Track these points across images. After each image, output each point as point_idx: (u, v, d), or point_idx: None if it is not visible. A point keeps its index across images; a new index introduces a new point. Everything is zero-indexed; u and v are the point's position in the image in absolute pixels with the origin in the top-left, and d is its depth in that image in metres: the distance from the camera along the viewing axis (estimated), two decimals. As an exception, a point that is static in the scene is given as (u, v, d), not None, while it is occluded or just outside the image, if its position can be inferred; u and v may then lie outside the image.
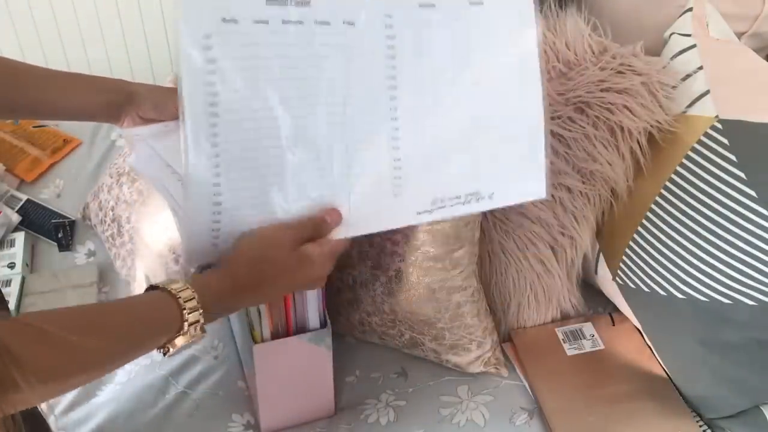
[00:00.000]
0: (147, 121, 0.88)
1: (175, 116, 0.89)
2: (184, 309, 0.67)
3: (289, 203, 0.77)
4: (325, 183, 0.77)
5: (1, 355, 0.52)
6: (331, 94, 0.76)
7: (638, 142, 1.02)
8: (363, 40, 0.75)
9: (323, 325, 0.94)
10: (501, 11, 0.79)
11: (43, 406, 1.03)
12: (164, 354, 0.69)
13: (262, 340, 0.91)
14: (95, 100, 0.86)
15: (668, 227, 0.99)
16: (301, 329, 0.93)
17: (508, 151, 0.80)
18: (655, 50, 1.08)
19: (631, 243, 1.04)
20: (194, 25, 0.71)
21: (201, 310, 0.68)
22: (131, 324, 0.66)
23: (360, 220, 0.79)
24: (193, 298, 0.68)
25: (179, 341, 0.68)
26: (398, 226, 0.80)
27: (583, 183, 1.05)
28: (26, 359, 0.54)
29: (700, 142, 0.96)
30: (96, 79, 0.89)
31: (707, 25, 1.08)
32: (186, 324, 0.67)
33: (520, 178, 0.80)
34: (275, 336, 0.92)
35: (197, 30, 0.70)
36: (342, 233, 0.79)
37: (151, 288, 0.70)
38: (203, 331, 0.69)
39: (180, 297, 0.67)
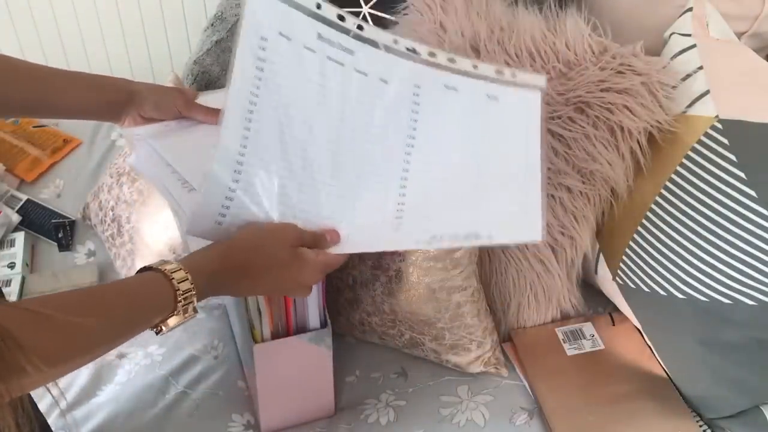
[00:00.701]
0: (148, 120, 0.88)
1: (175, 116, 0.89)
2: (177, 290, 0.68)
3: (296, 213, 0.80)
4: (330, 205, 0.82)
5: (5, 340, 0.53)
6: (355, 130, 0.83)
7: (638, 142, 1.02)
8: (392, 97, 0.85)
9: (323, 325, 0.94)
10: (512, 111, 0.89)
11: (41, 407, 1.03)
12: (157, 333, 0.70)
13: (263, 340, 0.91)
14: (96, 98, 0.86)
15: (668, 227, 0.99)
16: (302, 329, 0.93)
17: (508, 199, 0.86)
18: (655, 50, 1.08)
19: (631, 243, 1.04)
20: (256, 25, 0.78)
21: (193, 291, 0.69)
22: (127, 305, 0.67)
23: (359, 243, 0.83)
24: (186, 279, 0.69)
25: (172, 321, 0.69)
26: (393, 249, 0.87)
27: (583, 183, 1.05)
28: (30, 343, 0.55)
29: (700, 142, 0.96)
30: (97, 77, 0.89)
31: (707, 25, 1.08)
32: (179, 305, 0.68)
33: (518, 223, 0.86)
34: (275, 336, 0.92)
35: (258, 29, 0.78)
36: (339, 250, 0.82)
37: (145, 269, 0.70)
38: (195, 311, 0.70)
39: (173, 278, 0.68)
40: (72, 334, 0.59)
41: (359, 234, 0.82)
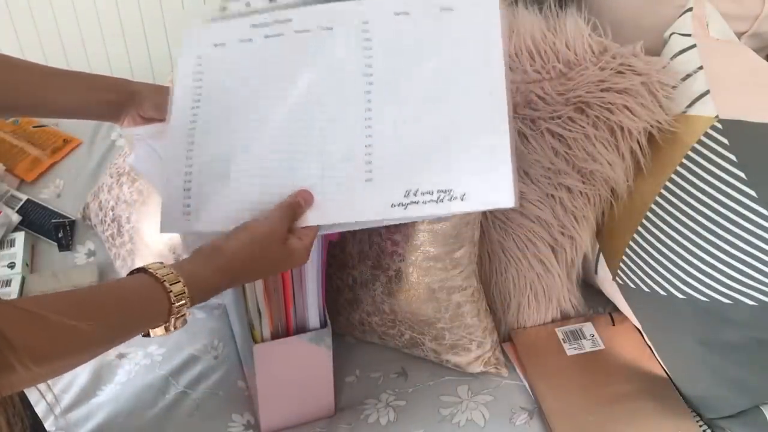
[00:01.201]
0: (147, 120, 0.88)
1: None
2: (173, 303, 0.68)
3: (258, 183, 0.81)
4: (297, 167, 0.81)
5: None
6: (309, 87, 0.82)
7: (638, 142, 1.02)
8: (341, 41, 0.82)
9: (323, 325, 0.94)
10: (469, 17, 0.83)
11: (40, 407, 1.03)
12: (143, 336, 0.70)
13: (262, 340, 0.91)
14: (95, 98, 0.86)
15: (668, 227, 0.99)
16: (301, 329, 0.93)
17: (478, 154, 0.80)
18: (655, 50, 1.08)
19: (631, 243, 1.04)
20: (190, 53, 0.85)
21: (188, 305, 0.69)
22: (123, 311, 0.66)
23: (332, 207, 0.80)
24: (183, 293, 0.68)
25: (159, 332, 0.69)
26: (372, 219, 0.80)
27: (583, 183, 1.05)
28: (21, 342, 0.55)
29: (700, 142, 0.96)
30: (97, 77, 0.89)
31: (707, 25, 1.08)
32: (172, 317, 0.68)
33: (490, 183, 0.80)
34: (275, 336, 0.92)
35: (192, 54, 0.85)
36: (315, 220, 0.80)
37: (142, 270, 0.69)
38: (184, 323, 0.71)
39: (171, 291, 0.67)
40: (65, 335, 0.59)
41: (332, 195, 0.80)
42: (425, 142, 0.80)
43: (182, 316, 0.69)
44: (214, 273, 0.73)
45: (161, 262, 0.70)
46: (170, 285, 0.68)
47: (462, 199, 0.79)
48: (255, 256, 0.75)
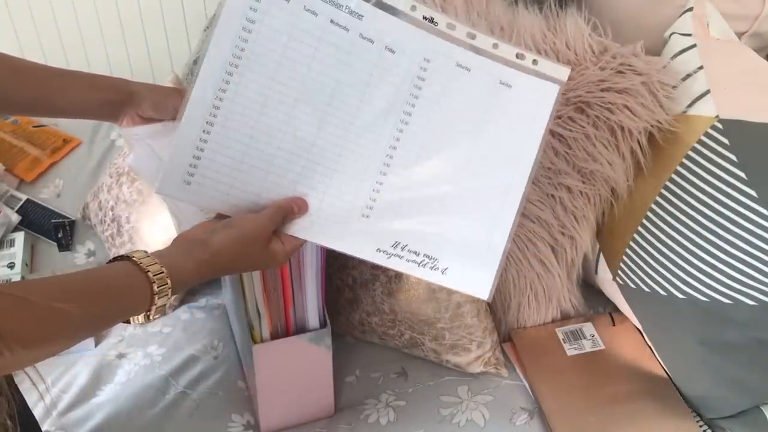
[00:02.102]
0: (146, 120, 0.88)
1: (173, 116, 0.89)
2: (156, 294, 0.68)
3: (263, 178, 0.80)
4: (304, 179, 0.80)
5: None
6: (346, 100, 0.79)
7: (638, 142, 1.02)
8: (396, 69, 0.79)
9: (323, 325, 0.94)
10: (523, 102, 0.82)
11: (40, 408, 1.03)
12: (125, 322, 0.70)
13: (262, 341, 0.91)
14: (94, 98, 0.86)
15: (668, 227, 0.99)
16: (301, 329, 0.93)
17: (474, 243, 0.82)
18: (655, 50, 1.08)
19: (631, 243, 1.04)
20: None
21: (169, 295, 0.69)
22: (108, 297, 0.67)
23: (324, 228, 0.81)
24: (166, 285, 0.69)
25: (139, 319, 0.70)
26: (354, 254, 0.82)
27: (584, 183, 1.05)
28: (7, 326, 0.55)
29: (700, 142, 0.96)
30: (96, 77, 0.89)
31: (707, 25, 1.08)
32: (153, 307, 0.69)
33: (474, 274, 0.82)
34: (275, 336, 0.92)
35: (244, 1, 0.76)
36: (303, 233, 0.80)
37: (125, 258, 0.69)
38: (164, 313, 0.71)
39: (154, 282, 0.68)
40: (50, 318, 0.60)
41: (327, 217, 0.81)
42: (431, 204, 0.82)
43: (163, 306, 0.70)
44: (198, 266, 0.73)
45: (145, 251, 0.70)
46: (154, 276, 0.68)
47: (443, 273, 0.81)
48: (238, 253, 0.76)
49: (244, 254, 0.76)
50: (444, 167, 0.82)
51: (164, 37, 1.66)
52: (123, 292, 0.68)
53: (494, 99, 0.82)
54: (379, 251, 0.81)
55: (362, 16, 0.78)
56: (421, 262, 0.81)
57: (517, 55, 0.81)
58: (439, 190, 0.82)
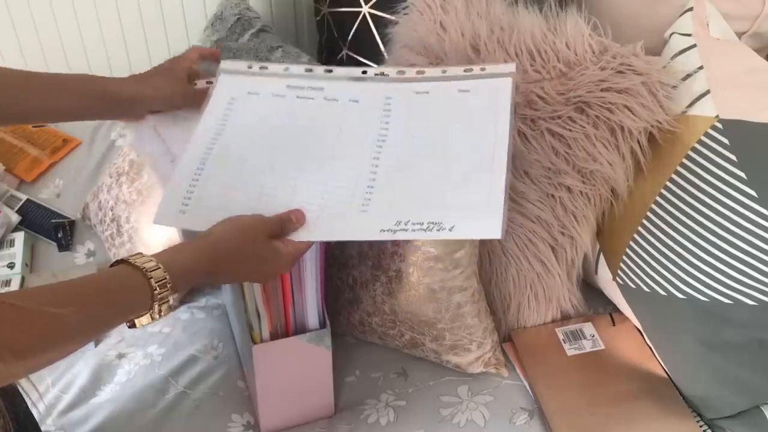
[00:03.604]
0: (154, 113, 0.92)
1: (182, 105, 0.92)
2: (155, 290, 0.68)
3: (256, 199, 0.85)
4: (300, 192, 0.85)
5: None
6: (325, 131, 0.89)
7: (638, 142, 1.02)
8: (363, 110, 0.91)
9: (322, 325, 0.94)
10: (483, 96, 0.90)
11: (41, 407, 1.03)
12: (129, 327, 0.70)
13: (261, 341, 0.91)
14: (87, 104, 0.86)
15: (668, 227, 0.99)
16: (301, 329, 0.93)
17: (473, 189, 0.84)
18: (655, 50, 1.08)
19: (632, 243, 1.04)
20: (225, 91, 0.93)
21: (170, 292, 0.69)
22: (105, 301, 0.67)
23: (324, 228, 0.83)
24: (165, 279, 0.69)
25: (144, 320, 0.70)
26: (358, 239, 0.88)
27: (584, 183, 1.05)
28: (1, 336, 0.55)
29: (700, 142, 0.96)
30: (94, 81, 0.89)
31: (708, 25, 1.08)
32: (155, 305, 0.69)
33: (481, 216, 0.83)
34: (274, 336, 0.92)
35: (227, 93, 0.93)
36: (305, 236, 0.82)
37: (121, 262, 0.70)
38: (170, 309, 0.71)
39: (152, 278, 0.68)
40: (45, 324, 0.59)
41: (326, 221, 0.83)
42: (424, 185, 0.85)
43: (166, 302, 0.70)
44: (198, 257, 0.73)
45: (140, 253, 0.70)
46: (150, 272, 0.68)
47: (450, 231, 0.83)
48: (238, 243, 0.76)
49: (244, 245, 0.76)
50: (427, 154, 0.87)
51: (164, 37, 1.65)
52: (119, 291, 0.68)
53: (458, 103, 0.90)
54: (383, 231, 0.83)
55: (322, 88, 0.92)
56: (427, 228, 0.83)
57: (465, 70, 0.91)
58: (428, 170, 0.86)
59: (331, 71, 0.94)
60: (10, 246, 1.27)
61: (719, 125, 0.94)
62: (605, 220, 1.09)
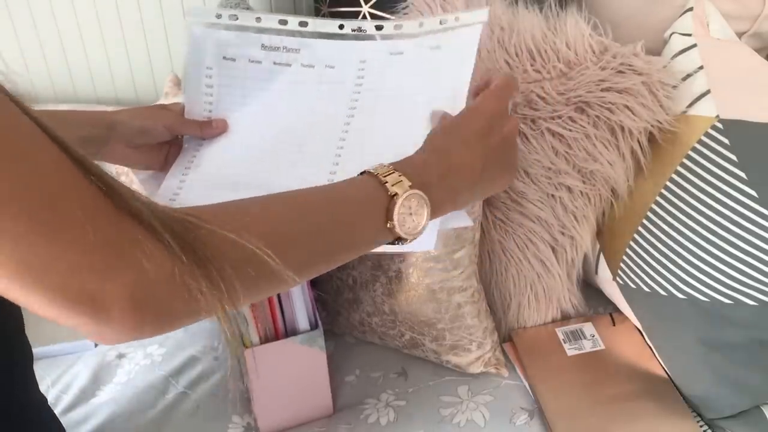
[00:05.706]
0: (137, 149, 0.86)
1: (164, 137, 0.88)
2: (385, 183, 0.61)
3: (251, 181, 0.86)
4: (268, 169, 0.86)
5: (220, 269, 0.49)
6: (299, 109, 0.89)
7: (639, 142, 1.02)
8: (337, 77, 0.90)
9: (314, 327, 0.94)
10: (451, 53, 0.87)
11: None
12: (400, 242, 0.62)
13: (252, 345, 0.91)
14: (73, 134, 0.80)
15: (668, 227, 0.99)
16: (292, 332, 0.93)
17: None
18: (655, 50, 1.08)
19: (632, 243, 1.04)
20: (199, 57, 0.90)
21: (403, 178, 0.62)
22: (336, 208, 0.61)
23: None
24: (393, 172, 0.62)
25: (387, 236, 0.62)
26: None
27: (584, 183, 1.05)
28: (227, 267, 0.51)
29: (700, 142, 0.96)
30: (68, 114, 0.86)
31: (708, 25, 1.08)
32: (396, 209, 0.60)
33: None
34: (264, 341, 0.92)
35: (201, 61, 0.90)
36: None
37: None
38: (426, 205, 0.62)
39: (378, 174, 0.62)
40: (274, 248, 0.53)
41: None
42: (385, 147, 0.85)
43: (406, 192, 0.60)
44: (423, 145, 0.68)
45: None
46: (377, 172, 0.62)
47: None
48: (453, 126, 0.69)
49: (456, 125, 0.70)
50: (391, 119, 0.87)
51: (164, 37, 1.65)
52: (345, 197, 0.62)
53: (429, 63, 0.87)
54: None
55: (298, 50, 0.90)
56: None
57: (441, 22, 0.88)
58: (388, 134, 0.86)
59: (305, 24, 0.90)
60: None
61: (719, 125, 0.94)
62: (605, 220, 1.09)
